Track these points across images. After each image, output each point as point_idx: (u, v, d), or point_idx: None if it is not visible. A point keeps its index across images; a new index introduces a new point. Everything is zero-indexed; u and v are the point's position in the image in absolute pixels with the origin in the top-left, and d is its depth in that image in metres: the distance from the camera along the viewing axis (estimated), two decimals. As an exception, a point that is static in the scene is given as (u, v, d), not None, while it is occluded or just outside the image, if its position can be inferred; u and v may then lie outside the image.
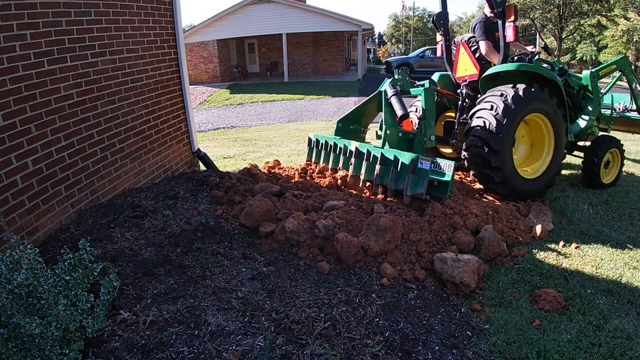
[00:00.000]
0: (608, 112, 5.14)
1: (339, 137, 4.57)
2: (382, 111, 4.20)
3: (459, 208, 3.69)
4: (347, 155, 4.19)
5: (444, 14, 4.70)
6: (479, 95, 4.31)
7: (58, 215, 3.10)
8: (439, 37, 4.88)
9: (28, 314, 1.83)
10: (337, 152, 4.35)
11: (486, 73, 4.18)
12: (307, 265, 3.00)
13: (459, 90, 4.53)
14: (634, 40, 25.48)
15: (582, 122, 4.67)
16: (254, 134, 11.21)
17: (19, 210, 2.75)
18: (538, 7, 31.36)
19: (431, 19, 4.90)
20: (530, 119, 4.11)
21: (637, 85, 5.31)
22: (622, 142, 5.01)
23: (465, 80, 4.47)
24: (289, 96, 17.74)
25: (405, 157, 3.61)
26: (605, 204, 4.56)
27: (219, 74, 24.30)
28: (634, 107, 5.35)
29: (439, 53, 4.98)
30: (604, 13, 28.15)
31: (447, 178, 3.39)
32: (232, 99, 17.98)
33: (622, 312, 2.70)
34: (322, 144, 4.67)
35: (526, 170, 4.20)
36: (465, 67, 4.42)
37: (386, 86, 4.15)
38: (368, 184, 4.03)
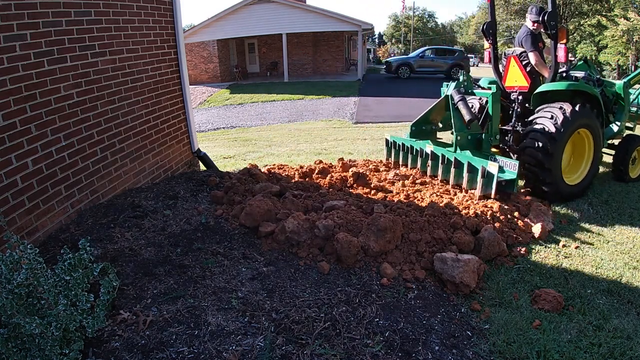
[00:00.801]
0: (634, 109, 5.51)
1: (414, 140, 5.06)
2: (448, 111, 4.67)
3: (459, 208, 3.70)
4: (424, 157, 4.72)
5: (492, 23, 4.99)
6: (528, 105, 4.73)
7: (58, 215, 3.10)
8: (486, 45, 5.19)
9: (28, 314, 1.83)
10: (414, 154, 4.90)
11: (540, 90, 4.54)
12: (307, 265, 3.00)
13: (512, 97, 4.86)
14: (634, 40, 25.47)
15: (614, 127, 5.16)
16: (254, 134, 11.22)
17: (19, 210, 2.75)
18: (538, 7, 31.34)
19: (480, 27, 5.18)
20: (576, 133, 4.48)
21: None
22: None
23: (515, 90, 4.79)
24: (289, 96, 17.74)
25: (476, 162, 4.05)
26: (605, 204, 4.56)
27: (219, 74, 24.30)
28: None
29: (486, 60, 5.32)
30: (604, 13, 28.13)
31: (513, 176, 3.92)
32: (232, 99, 17.98)
33: (622, 312, 2.70)
34: (399, 145, 5.16)
35: (568, 177, 4.57)
36: (516, 79, 4.77)
37: (452, 91, 4.49)
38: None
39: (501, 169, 3.90)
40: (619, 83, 5.10)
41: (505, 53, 5.04)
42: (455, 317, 2.59)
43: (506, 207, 4.01)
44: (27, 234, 2.81)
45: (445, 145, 4.90)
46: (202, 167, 5.33)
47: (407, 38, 59.10)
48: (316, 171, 5.17)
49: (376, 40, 68.15)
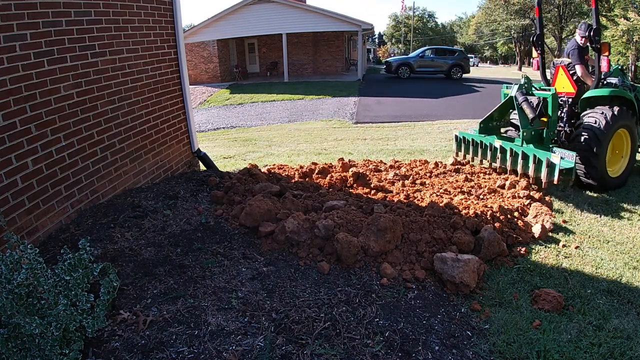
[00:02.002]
0: None
1: (483, 135, 5.63)
2: (512, 110, 5.51)
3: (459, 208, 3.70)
4: (493, 150, 5.34)
5: (541, 35, 5.76)
6: (574, 108, 5.48)
7: (58, 215, 3.10)
8: (535, 54, 5.93)
9: (28, 314, 1.83)
10: (483, 148, 5.49)
11: (586, 95, 5.20)
12: (307, 265, 3.00)
13: (561, 102, 5.52)
14: (634, 40, 25.47)
15: None
16: (254, 134, 11.22)
17: (19, 210, 2.75)
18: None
19: (531, 39, 5.83)
20: (617, 133, 5.07)
21: None
22: None
23: (563, 95, 5.52)
24: (289, 96, 17.74)
25: (541, 154, 4.64)
26: (605, 204, 4.56)
27: (219, 74, 24.30)
28: None
29: (534, 68, 6.06)
30: (604, 13, 28.12)
31: (571, 165, 4.55)
32: (232, 99, 17.98)
33: (622, 312, 2.70)
34: (468, 140, 5.71)
35: (611, 170, 5.13)
36: (563, 85, 5.52)
37: (516, 92, 5.18)
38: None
39: (562, 159, 4.48)
40: None
41: (554, 63, 5.80)
42: (455, 317, 2.59)
43: (506, 207, 4.01)
44: (27, 234, 2.81)
45: (508, 139, 5.48)
46: (202, 167, 5.32)
47: (407, 38, 59.10)
48: (316, 171, 5.18)
49: (376, 40, 68.15)
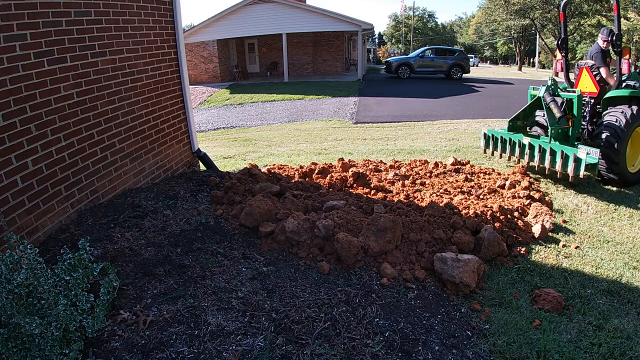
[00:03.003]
0: None
1: (512, 133, 5.89)
2: (539, 109, 5.79)
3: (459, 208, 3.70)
4: (521, 147, 5.54)
5: (565, 39, 6.13)
6: (598, 107, 5.73)
7: (58, 215, 3.10)
8: (559, 57, 6.38)
9: (28, 314, 1.83)
10: (512, 145, 5.71)
11: (608, 95, 5.50)
12: (307, 265, 3.00)
13: (584, 101, 5.77)
14: (634, 40, 25.47)
15: None
16: (254, 134, 11.22)
17: (19, 210, 2.75)
18: (538, 7, 31.34)
19: (556, 43, 6.33)
20: (635, 130, 5.31)
21: None
22: None
23: (586, 95, 5.78)
24: (289, 96, 17.74)
25: (568, 151, 4.88)
26: (606, 204, 4.56)
27: (219, 74, 24.30)
28: None
29: (558, 69, 6.47)
30: (604, 13, 28.13)
31: (595, 161, 4.82)
32: (232, 99, 17.98)
33: (622, 312, 2.70)
34: (497, 138, 5.98)
35: (630, 166, 5.38)
36: (587, 86, 5.80)
37: (544, 93, 5.45)
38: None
39: (588, 155, 4.73)
40: None
41: (577, 64, 6.06)
42: (455, 317, 2.59)
43: (506, 207, 4.01)
44: (27, 234, 2.81)
45: (534, 137, 5.73)
46: (202, 167, 5.32)
47: (407, 38, 59.10)
48: (316, 171, 5.18)
49: (376, 40, 68.17)
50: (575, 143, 5.47)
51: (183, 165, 4.93)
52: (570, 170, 4.79)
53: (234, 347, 2.10)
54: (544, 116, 5.88)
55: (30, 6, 2.84)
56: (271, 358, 2.05)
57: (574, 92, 5.53)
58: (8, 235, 1.99)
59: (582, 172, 4.68)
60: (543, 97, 5.46)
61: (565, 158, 4.88)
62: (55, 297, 1.88)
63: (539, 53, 44.43)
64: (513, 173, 5.43)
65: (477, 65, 46.74)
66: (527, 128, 6.33)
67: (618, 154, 5.05)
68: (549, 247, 3.55)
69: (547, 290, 2.81)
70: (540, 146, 5.24)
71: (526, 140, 5.46)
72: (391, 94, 17.61)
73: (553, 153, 5.10)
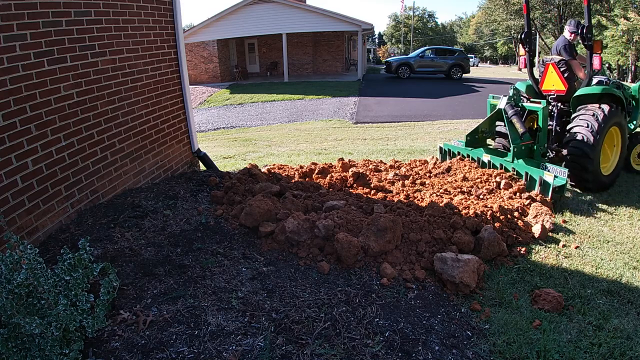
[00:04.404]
0: None
1: (470, 149, 5.52)
2: (500, 120, 5.30)
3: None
4: (481, 165, 5.24)
5: (529, 33, 5.58)
6: (564, 105, 5.31)
7: (58, 215, 3.10)
8: (522, 52, 5.73)
9: (28, 314, 1.83)
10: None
11: (578, 93, 5.07)
12: (307, 265, 3.00)
13: (550, 100, 5.43)
14: (634, 40, 25.47)
15: (631, 126, 5.65)
16: (254, 134, 11.22)
17: (19, 210, 2.75)
18: (538, 7, 31.38)
19: (518, 37, 5.66)
20: (609, 131, 5.00)
21: None
22: None
23: (552, 94, 5.42)
24: (289, 96, 17.74)
25: (534, 172, 4.52)
26: (605, 204, 4.56)
27: (219, 74, 24.30)
28: None
29: (521, 65, 5.89)
30: (604, 13, 28.15)
31: (563, 182, 4.41)
32: (232, 99, 17.98)
33: (622, 312, 2.70)
34: (454, 153, 5.59)
35: (603, 168, 5.07)
36: (553, 83, 5.36)
37: (505, 105, 5.02)
38: None
39: (556, 178, 4.35)
40: (635, 86, 5.59)
41: (543, 60, 5.55)
42: (455, 317, 2.59)
43: (506, 207, 4.01)
44: (27, 234, 2.81)
45: (496, 153, 5.38)
46: (202, 167, 5.33)
47: (407, 38, 59.10)
48: (316, 171, 5.18)
49: (376, 40, 68.17)
50: (542, 160, 5.08)
51: (183, 165, 4.93)
52: (534, 194, 4.41)
53: (234, 347, 2.10)
54: (505, 126, 5.39)
55: (30, 6, 2.84)
56: (271, 358, 2.05)
57: (538, 102, 5.09)
58: (8, 235, 1.99)
59: (549, 196, 4.32)
60: (504, 109, 5.01)
61: (530, 180, 4.54)
62: (55, 297, 1.88)
63: (539, 53, 44.42)
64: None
65: (477, 65, 46.73)
66: (488, 140, 5.85)
67: (592, 162, 4.69)
68: (549, 247, 3.55)
69: (547, 290, 2.81)
70: (502, 165, 4.90)
71: (486, 158, 5.07)
72: (391, 94, 17.61)
73: (517, 174, 4.75)
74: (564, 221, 4.11)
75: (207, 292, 2.54)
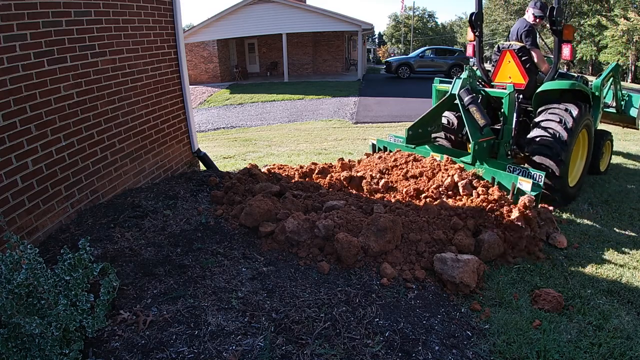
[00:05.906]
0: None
1: (413, 146, 4.46)
2: (451, 110, 4.29)
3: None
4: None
5: (480, 15, 4.60)
6: (522, 102, 4.45)
7: (58, 215, 3.10)
8: (471, 36, 4.71)
9: (28, 314, 1.83)
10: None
11: (543, 88, 4.24)
12: (307, 265, 3.00)
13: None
14: (634, 40, 25.47)
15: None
16: (254, 134, 11.21)
17: (19, 210, 2.75)
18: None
19: (468, 17, 4.63)
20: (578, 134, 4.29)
21: (620, 87, 5.88)
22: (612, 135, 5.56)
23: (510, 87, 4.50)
24: (289, 96, 17.73)
25: (503, 178, 3.69)
26: (605, 204, 4.56)
27: (219, 74, 24.30)
28: (614, 104, 5.95)
29: (469, 52, 4.84)
30: (604, 13, 28.12)
31: (539, 190, 3.61)
32: (232, 99, 17.98)
33: (622, 312, 2.70)
34: (391, 152, 4.51)
35: (570, 179, 4.41)
36: (510, 75, 4.43)
37: (460, 90, 4.01)
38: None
39: (534, 185, 3.57)
40: (596, 81, 4.94)
41: (499, 47, 4.61)
42: (455, 317, 2.59)
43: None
44: (27, 234, 2.81)
45: (447, 151, 4.38)
46: (202, 167, 5.33)
47: (407, 38, 59.09)
48: (316, 171, 5.17)
49: (376, 40, 68.16)
50: (510, 160, 4.23)
51: (183, 165, 4.93)
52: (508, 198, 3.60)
53: (234, 347, 2.10)
54: (456, 116, 4.26)
55: (30, 6, 2.84)
56: (271, 358, 2.05)
57: (503, 87, 4.14)
58: (8, 235, 1.99)
59: (521, 204, 3.41)
60: (459, 95, 3.98)
61: (501, 187, 3.68)
62: (55, 297, 1.88)
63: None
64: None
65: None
66: (434, 135, 4.83)
67: (563, 165, 3.95)
68: (549, 247, 3.55)
69: (547, 290, 2.81)
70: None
71: (435, 157, 4.05)
72: (391, 94, 17.61)
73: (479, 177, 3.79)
74: (564, 221, 4.11)
75: (207, 292, 2.54)
